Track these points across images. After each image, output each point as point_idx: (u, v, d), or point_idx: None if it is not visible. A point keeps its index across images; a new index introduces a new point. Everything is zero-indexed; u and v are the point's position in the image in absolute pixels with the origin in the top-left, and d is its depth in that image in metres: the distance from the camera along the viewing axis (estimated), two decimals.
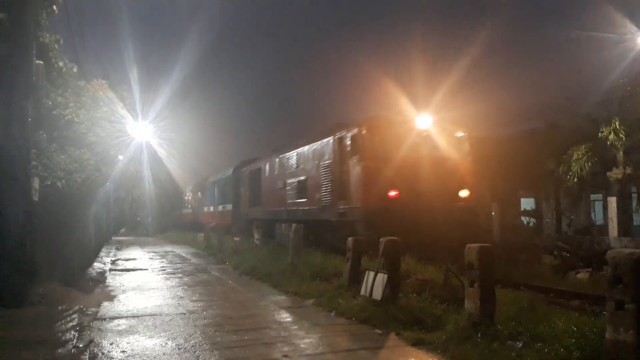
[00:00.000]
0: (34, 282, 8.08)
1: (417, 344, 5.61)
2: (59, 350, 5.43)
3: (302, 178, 15.18)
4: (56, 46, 10.51)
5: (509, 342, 5.14)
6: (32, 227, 7.99)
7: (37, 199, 8.35)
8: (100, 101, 11.98)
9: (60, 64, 10.81)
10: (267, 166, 18.81)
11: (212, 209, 29.81)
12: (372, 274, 7.50)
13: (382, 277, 7.27)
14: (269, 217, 18.13)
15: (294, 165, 16.02)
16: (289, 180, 16.13)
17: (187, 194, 38.18)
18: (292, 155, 16.27)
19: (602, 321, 4.51)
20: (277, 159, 17.67)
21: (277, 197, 17.17)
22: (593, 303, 6.71)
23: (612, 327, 4.19)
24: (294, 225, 12.13)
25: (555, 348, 4.64)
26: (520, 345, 5.03)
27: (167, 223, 43.22)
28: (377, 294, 7.20)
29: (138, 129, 23.85)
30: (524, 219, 23.60)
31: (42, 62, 8.85)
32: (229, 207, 25.35)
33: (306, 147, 15.09)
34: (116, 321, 6.95)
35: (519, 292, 6.66)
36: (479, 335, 5.34)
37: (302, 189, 15.06)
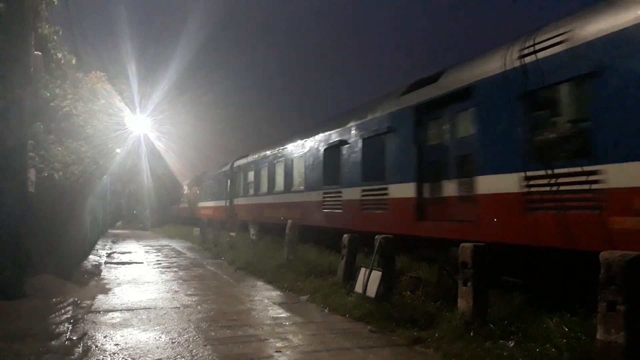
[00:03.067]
0: (29, 274, 8.08)
1: (411, 342, 5.63)
2: (52, 343, 5.44)
3: None
4: (55, 37, 10.47)
5: (501, 341, 5.16)
6: (28, 218, 7.98)
7: (33, 191, 8.34)
8: (98, 94, 11.97)
9: (59, 55, 10.78)
10: None
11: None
12: (367, 271, 7.51)
13: (376, 275, 7.29)
14: None
15: None
16: None
17: (206, 182, 31.03)
18: None
19: (593, 322, 4.53)
20: None
21: None
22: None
23: (603, 328, 4.21)
24: (289, 221, 12.12)
25: (546, 348, 4.66)
26: (512, 344, 5.05)
27: (165, 217, 43.18)
28: (372, 292, 7.22)
29: (136, 122, 23.86)
30: None
31: (40, 53, 8.82)
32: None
33: None
34: (110, 314, 6.96)
35: (512, 292, 6.67)
36: (472, 334, 5.36)
37: None
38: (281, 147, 16.89)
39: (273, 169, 17.53)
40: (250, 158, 20.74)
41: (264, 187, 18.53)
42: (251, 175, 20.29)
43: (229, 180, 23.85)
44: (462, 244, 5.97)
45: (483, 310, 5.68)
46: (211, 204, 28.97)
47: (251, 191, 20.26)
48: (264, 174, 18.54)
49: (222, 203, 25.38)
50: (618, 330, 4.10)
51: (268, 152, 18.35)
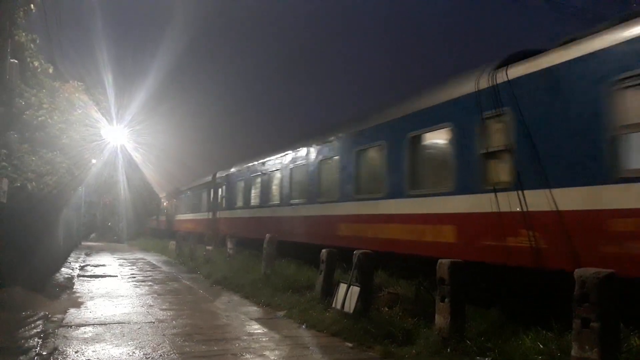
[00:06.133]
0: None
1: (388, 357, 5.61)
2: (21, 358, 5.28)
3: None
4: (32, 45, 10.33)
5: (478, 357, 5.18)
6: None
7: (4, 201, 8.14)
8: (75, 104, 11.82)
9: (36, 63, 10.63)
10: None
11: None
12: (344, 286, 7.49)
13: (355, 290, 7.27)
14: None
15: None
16: None
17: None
18: None
19: (568, 339, 4.58)
20: None
21: None
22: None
23: (577, 345, 4.26)
24: (267, 235, 12.05)
25: None
26: None
27: (141, 229, 42.52)
28: (350, 307, 7.19)
29: (113, 132, 23.57)
30: None
31: (16, 61, 8.68)
32: None
33: None
34: (82, 329, 6.79)
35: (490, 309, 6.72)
36: (449, 350, 5.37)
37: None
38: None
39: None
40: None
41: None
42: None
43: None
44: (440, 260, 6.01)
45: (460, 326, 5.70)
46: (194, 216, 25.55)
47: None
48: None
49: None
50: (592, 347, 4.15)
51: None
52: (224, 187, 21.60)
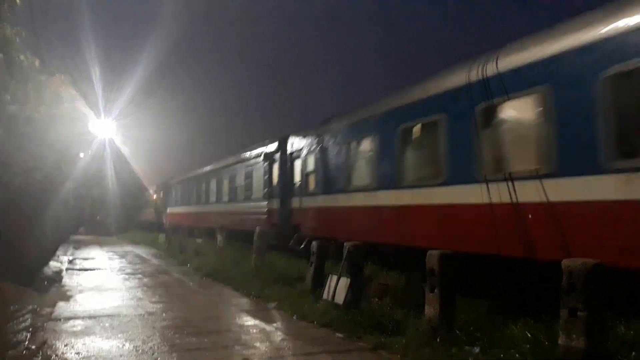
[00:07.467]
0: None
1: (378, 348, 5.65)
2: (10, 352, 5.25)
3: None
4: (18, 39, 10.18)
5: (467, 347, 5.23)
6: None
7: None
8: (62, 97, 11.68)
9: (22, 57, 10.47)
10: None
11: None
12: (335, 278, 7.52)
13: (344, 282, 7.31)
14: None
15: None
16: None
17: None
18: None
19: (556, 328, 4.63)
20: None
21: None
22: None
23: (565, 334, 4.31)
24: (257, 228, 12.07)
25: (510, 353, 4.74)
26: (477, 350, 5.12)
27: (130, 223, 42.30)
28: (340, 298, 7.23)
29: (101, 126, 23.38)
30: None
31: (1, 55, 8.56)
32: None
33: None
34: (72, 322, 6.76)
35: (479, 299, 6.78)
36: (438, 340, 5.41)
37: None
38: None
39: None
40: None
41: None
42: None
43: None
44: (429, 251, 6.04)
45: (449, 316, 5.75)
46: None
47: None
48: None
49: None
50: (579, 335, 4.21)
51: None
52: (307, 157, 13.05)
